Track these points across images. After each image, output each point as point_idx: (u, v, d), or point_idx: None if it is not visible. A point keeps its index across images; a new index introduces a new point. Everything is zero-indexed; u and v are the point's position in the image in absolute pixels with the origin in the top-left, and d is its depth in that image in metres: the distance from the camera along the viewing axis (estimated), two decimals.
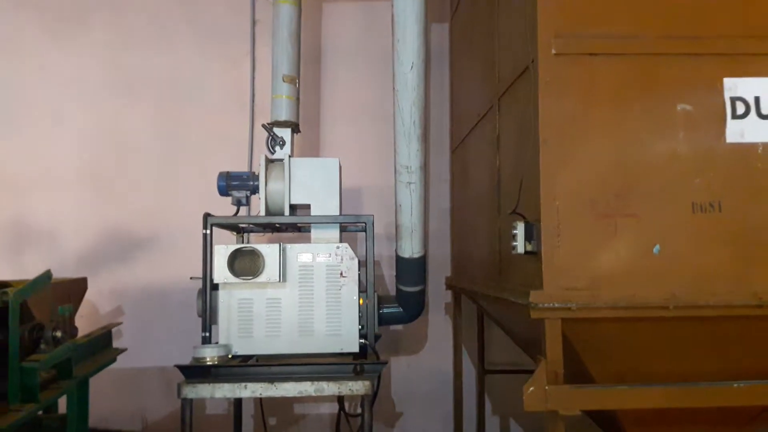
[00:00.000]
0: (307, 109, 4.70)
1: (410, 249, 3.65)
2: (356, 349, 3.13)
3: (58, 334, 2.21)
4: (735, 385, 2.10)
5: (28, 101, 4.72)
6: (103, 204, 4.68)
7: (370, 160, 4.61)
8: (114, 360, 2.83)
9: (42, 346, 2.15)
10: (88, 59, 4.75)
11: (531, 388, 2.00)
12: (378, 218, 4.13)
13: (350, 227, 3.75)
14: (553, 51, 2.19)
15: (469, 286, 3.62)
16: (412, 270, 3.70)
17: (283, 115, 3.75)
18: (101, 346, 2.82)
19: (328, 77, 4.86)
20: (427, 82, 4.86)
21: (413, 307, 3.81)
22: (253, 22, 4.81)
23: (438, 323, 4.65)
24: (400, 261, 3.73)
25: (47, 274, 2.19)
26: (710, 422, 2.53)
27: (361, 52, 4.79)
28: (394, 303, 3.80)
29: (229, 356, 3.06)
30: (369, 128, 4.68)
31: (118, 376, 4.08)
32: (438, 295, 4.65)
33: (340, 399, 3.96)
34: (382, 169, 4.39)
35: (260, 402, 4.27)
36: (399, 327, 4.63)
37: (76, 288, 2.76)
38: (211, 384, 2.85)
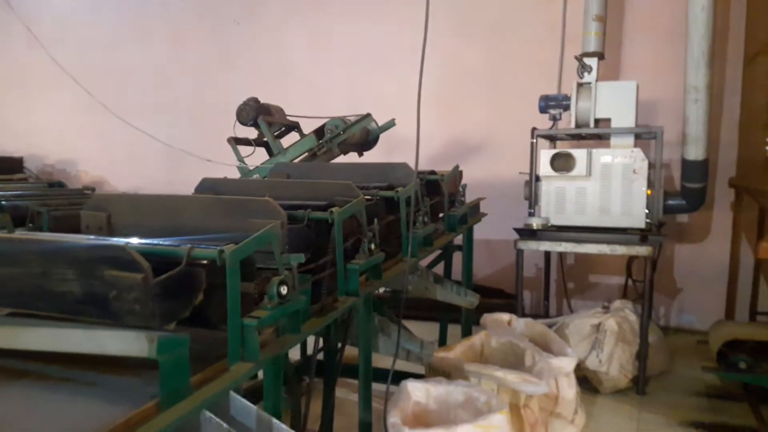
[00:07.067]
0: (610, 32, 5.61)
1: (695, 153, 4.51)
2: (642, 226, 4.25)
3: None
4: None
5: (396, 48, 6.57)
6: (447, 119, 6.39)
7: (664, 76, 5.32)
8: (480, 220, 4.46)
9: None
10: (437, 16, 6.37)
11: (765, 243, 2.96)
12: (668, 128, 5.02)
13: (643, 136, 4.72)
14: None
15: (747, 183, 4.36)
16: (695, 170, 4.57)
17: (592, 48, 4.82)
18: (476, 210, 4.44)
19: (630, 4, 5.65)
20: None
21: (694, 200, 4.70)
22: None
23: (721, 219, 5.37)
24: (685, 163, 4.62)
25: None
26: None
27: None
28: (679, 196, 4.74)
29: (548, 225, 4.47)
30: (663, 48, 5.38)
31: None
32: (723, 195, 5.33)
33: (629, 268, 5.14)
34: (673, 84, 5.11)
35: (562, 270, 5.69)
36: (685, 219, 5.50)
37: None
38: (536, 241, 4.34)
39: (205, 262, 1.73)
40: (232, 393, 1.81)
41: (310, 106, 4.75)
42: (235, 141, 4.58)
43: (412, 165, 3.75)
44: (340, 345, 2.64)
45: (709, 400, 3.97)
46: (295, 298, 1.90)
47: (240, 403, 1.82)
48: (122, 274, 1.60)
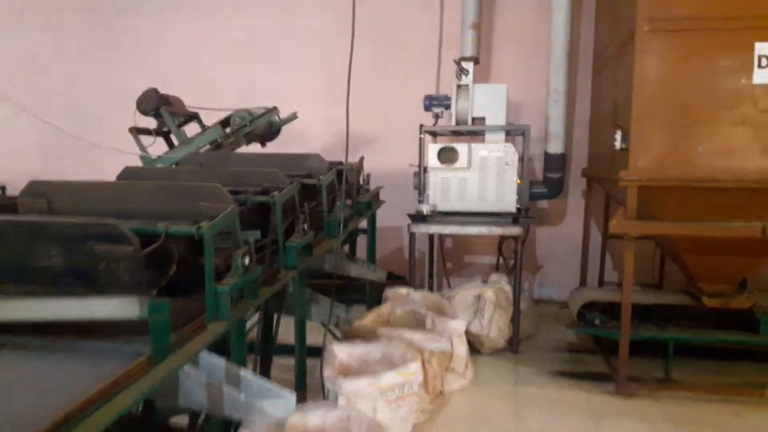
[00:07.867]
0: (482, 41, 6.30)
1: (555, 147, 5.31)
2: (513, 210, 4.92)
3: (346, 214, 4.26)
4: (730, 225, 3.61)
5: (288, 47, 6.83)
6: (337, 113, 6.75)
7: (529, 80, 6.09)
8: (380, 206, 4.91)
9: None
10: (324, 15, 6.72)
11: (614, 221, 3.70)
12: (533, 125, 5.79)
13: (513, 132, 5.42)
14: (646, 29, 3.66)
15: (597, 173, 5.21)
16: (555, 162, 5.37)
17: (469, 53, 5.45)
18: (377, 197, 4.86)
19: (499, 16, 6.38)
20: (581, 12, 6.20)
21: (554, 188, 5.51)
22: None
23: (575, 204, 6.28)
24: (547, 156, 5.40)
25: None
26: (749, 255, 4.01)
27: None
28: (542, 185, 5.52)
29: (436, 211, 5.02)
30: (528, 55, 6.15)
31: None
32: (576, 184, 6.24)
33: (500, 248, 5.87)
34: (537, 88, 5.89)
35: (442, 251, 6.32)
36: (545, 205, 6.36)
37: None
38: (426, 224, 4.87)
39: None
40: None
41: (201, 97, 4.90)
42: (137, 131, 4.64)
43: (316, 155, 4.15)
44: (276, 315, 2.93)
45: (570, 354, 4.76)
46: (253, 268, 2.20)
47: (209, 357, 2.10)
48: (114, 247, 1.82)
